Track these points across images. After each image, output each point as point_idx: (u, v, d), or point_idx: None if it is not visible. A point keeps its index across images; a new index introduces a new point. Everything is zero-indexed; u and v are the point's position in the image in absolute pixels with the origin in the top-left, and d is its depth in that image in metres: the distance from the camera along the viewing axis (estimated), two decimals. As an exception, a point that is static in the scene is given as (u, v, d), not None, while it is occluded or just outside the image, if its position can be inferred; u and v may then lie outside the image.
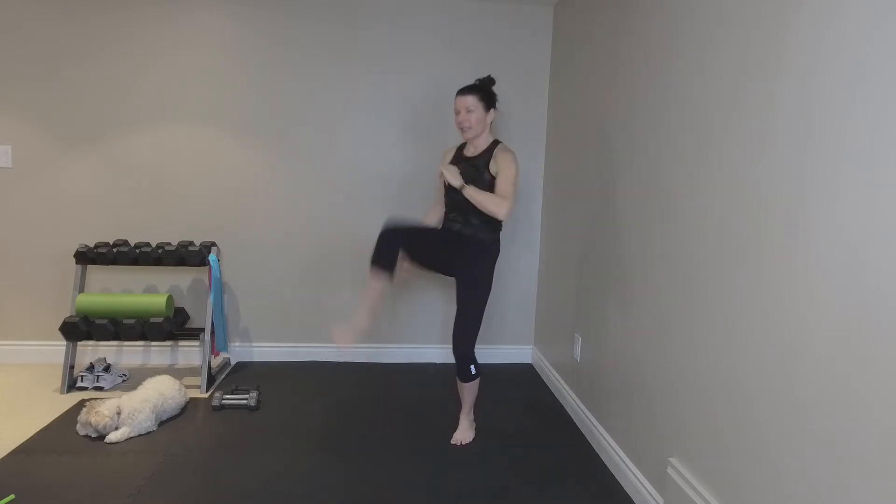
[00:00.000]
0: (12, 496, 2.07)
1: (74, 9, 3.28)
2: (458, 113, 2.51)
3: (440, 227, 2.68)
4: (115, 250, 3.16)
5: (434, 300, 3.69)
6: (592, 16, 2.81)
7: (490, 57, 3.52)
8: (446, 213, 2.63)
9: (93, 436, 2.54)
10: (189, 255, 3.18)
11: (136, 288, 3.52)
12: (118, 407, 2.56)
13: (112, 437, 2.50)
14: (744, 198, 1.59)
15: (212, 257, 3.24)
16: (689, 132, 1.89)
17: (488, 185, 2.45)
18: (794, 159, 1.40)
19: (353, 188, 3.55)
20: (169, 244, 3.27)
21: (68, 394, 3.04)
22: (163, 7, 3.32)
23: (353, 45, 3.45)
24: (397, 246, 2.41)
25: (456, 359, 2.55)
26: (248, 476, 2.28)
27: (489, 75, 2.57)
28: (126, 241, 3.28)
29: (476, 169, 2.49)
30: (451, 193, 2.54)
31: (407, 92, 3.51)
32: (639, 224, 2.24)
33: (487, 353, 3.76)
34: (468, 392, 2.62)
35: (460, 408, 2.68)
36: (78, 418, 2.57)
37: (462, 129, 2.52)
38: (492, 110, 2.54)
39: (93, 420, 2.50)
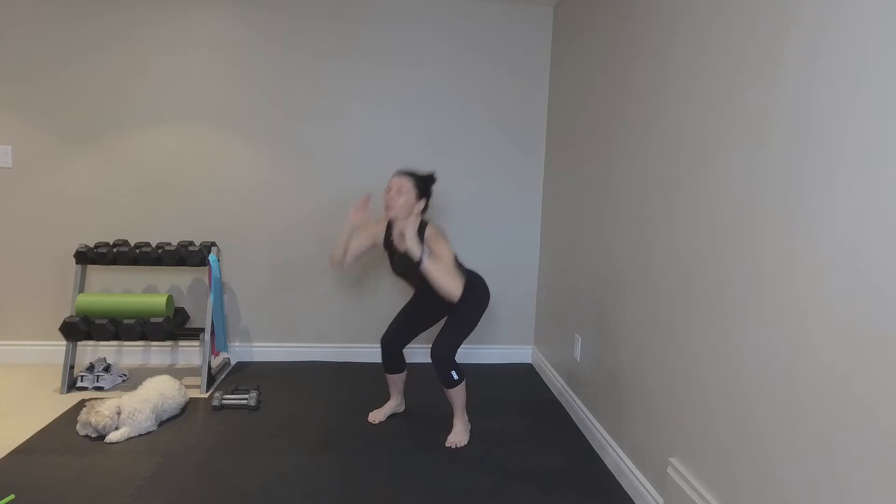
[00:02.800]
0: (12, 496, 2.07)
1: (74, 9, 3.28)
2: (388, 190, 2.51)
3: (418, 297, 2.76)
4: (115, 250, 3.16)
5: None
6: (592, 15, 2.81)
7: (490, 56, 3.52)
8: (415, 293, 2.77)
9: (93, 436, 2.54)
10: (189, 255, 3.18)
11: (136, 288, 3.52)
12: (118, 407, 2.56)
13: (112, 437, 2.50)
14: (743, 197, 1.59)
15: (212, 257, 3.24)
16: (688, 131, 1.89)
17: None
18: (793, 159, 1.40)
19: (353, 188, 3.54)
20: (169, 244, 3.27)
21: (68, 394, 3.04)
22: (163, 7, 3.32)
23: (354, 45, 3.45)
24: (398, 348, 2.74)
25: (435, 364, 2.53)
26: (248, 476, 2.28)
27: (433, 174, 2.59)
28: (126, 241, 3.28)
29: (410, 263, 2.45)
30: (408, 280, 2.61)
31: (407, 92, 3.51)
32: (638, 224, 2.24)
33: (487, 353, 3.76)
34: (456, 396, 2.61)
35: (453, 412, 2.68)
36: (78, 418, 2.57)
37: (387, 207, 2.51)
38: (423, 200, 2.54)
39: (93, 420, 2.50)
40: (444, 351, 2.53)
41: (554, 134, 3.46)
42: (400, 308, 2.94)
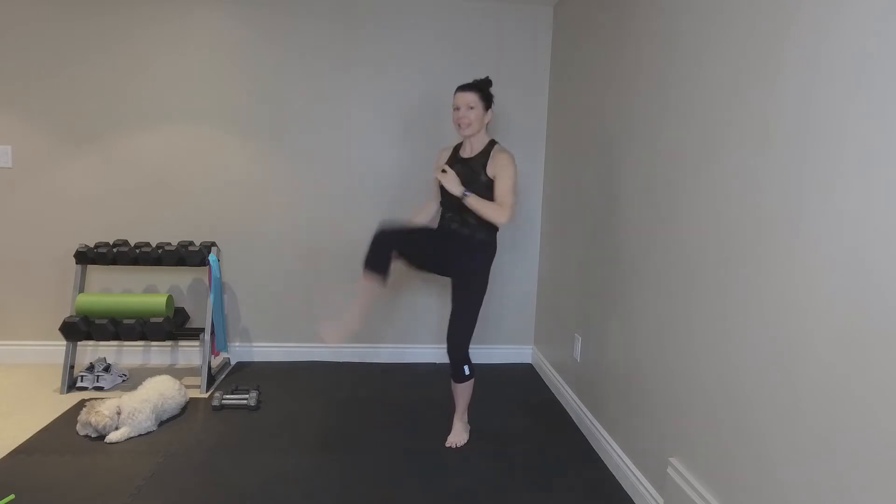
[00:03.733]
0: (12, 496, 2.07)
1: (74, 9, 3.28)
2: (457, 109, 2.47)
3: (436, 226, 2.64)
4: (115, 250, 3.16)
5: (433, 300, 3.69)
6: (592, 15, 2.81)
7: (490, 57, 3.52)
8: (443, 213, 2.60)
9: (93, 436, 2.54)
10: (189, 255, 3.18)
11: (136, 288, 3.52)
12: (118, 407, 2.56)
13: (112, 437, 2.50)
14: (744, 197, 1.59)
15: (212, 257, 3.24)
16: (688, 132, 1.89)
17: (485, 187, 2.42)
18: (794, 159, 1.40)
19: (353, 188, 3.54)
20: (169, 244, 3.27)
21: (68, 394, 3.04)
22: (163, 7, 3.32)
23: (354, 45, 3.45)
24: (391, 249, 2.37)
25: (450, 359, 2.55)
26: (248, 476, 2.28)
27: (487, 77, 2.55)
28: (126, 241, 3.28)
29: (473, 171, 2.46)
30: (448, 194, 2.48)
31: (407, 92, 3.51)
32: (639, 224, 2.24)
33: (487, 353, 3.76)
34: (462, 393, 2.61)
35: (454, 410, 2.68)
36: (78, 418, 2.57)
37: (461, 126, 2.46)
38: (489, 110, 2.52)
39: (93, 420, 2.50)
40: (459, 349, 2.52)
41: (554, 134, 3.46)
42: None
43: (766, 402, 1.48)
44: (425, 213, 2.75)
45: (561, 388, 3.14)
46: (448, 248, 2.52)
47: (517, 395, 3.24)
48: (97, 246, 3.20)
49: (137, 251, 3.17)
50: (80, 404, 2.85)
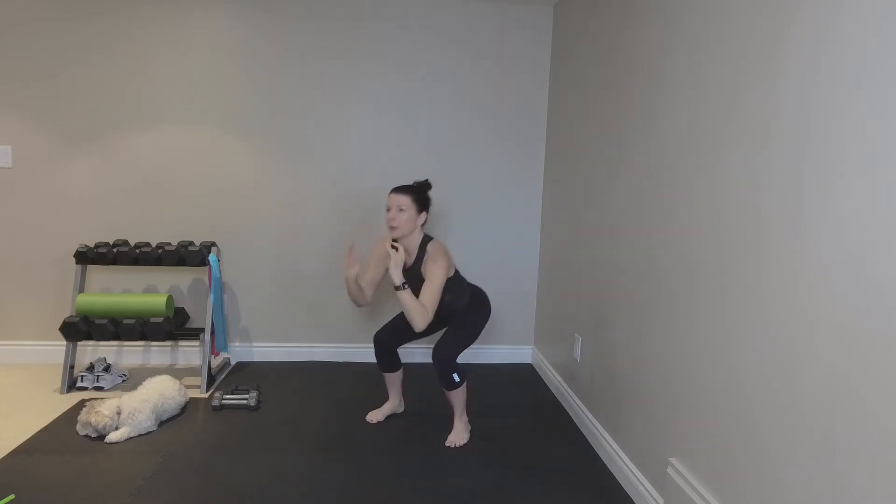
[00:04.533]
0: (12, 496, 2.07)
1: (74, 9, 3.28)
2: (388, 210, 2.53)
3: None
4: (115, 250, 3.16)
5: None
6: (592, 15, 2.81)
7: (490, 56, 3.52)
8: None
9: (93, 436, 2.54)
10: (189, 255, 3.18)
11: (136, 288, 3.52)
12: (118, 407, 2.56)
13: (112, 437, 2.50)
14: (744, 197, 1.59)
15: (212, 257, 3.24)
16: (689, 131, 1.89)
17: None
18: (794, 159, 1.40)
19: (353, 187, 3.55)
20: (169, 244, 3.27)
21: (68, 394, 3.04)
22: (163, 7, 3.32)
23: (354, 45, 3.45)
24: (391, 349, 2.74)
25: (436, 367, 2.53)
26: (248, 476, 2.28)
27: (427, 180, 2.61)
28: (126, 241, 3.28)
29: (414, 278, 2.54)
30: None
31: (407, 92, 3.51)
32: (638, 224, 2.24)
33: (487, 353, 3.76)
34: (456, 398, 2.62)
35: (453, 412, 2.68)
36: (78, 418, 2.57)
37: (390, 228, 2.53)
38: (424, 213, 2.58)
39: (93, 420, 2.50)
40: (445, 355, 2.53)
41: (554, 134, 3.46)
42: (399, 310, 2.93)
43: (766, 402, 1.48)
44: (358, 298, 2.67)
45: (561, 388, 3.14)
46: (437, 319, 2.63)
47: (517, 395, 3.24)
48: (97, 246, 3.20)
49: (137, 251, 3.17)
50: (80, 404, 2.85)
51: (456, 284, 2.62)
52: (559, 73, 3.38)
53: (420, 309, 2.40)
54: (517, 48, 3.54)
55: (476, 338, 2.69)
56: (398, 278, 2.39)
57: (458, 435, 2.62)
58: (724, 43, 1.70)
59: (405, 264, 2.57)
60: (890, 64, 1.14)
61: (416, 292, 2.48)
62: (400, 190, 2.55)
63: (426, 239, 2.59)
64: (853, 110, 1.23)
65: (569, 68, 3.18)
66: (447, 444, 2.59)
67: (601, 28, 2.69)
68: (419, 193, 2.56)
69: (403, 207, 2.50)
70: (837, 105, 1.27)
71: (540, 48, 3.56)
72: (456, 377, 2.55)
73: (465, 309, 2.68)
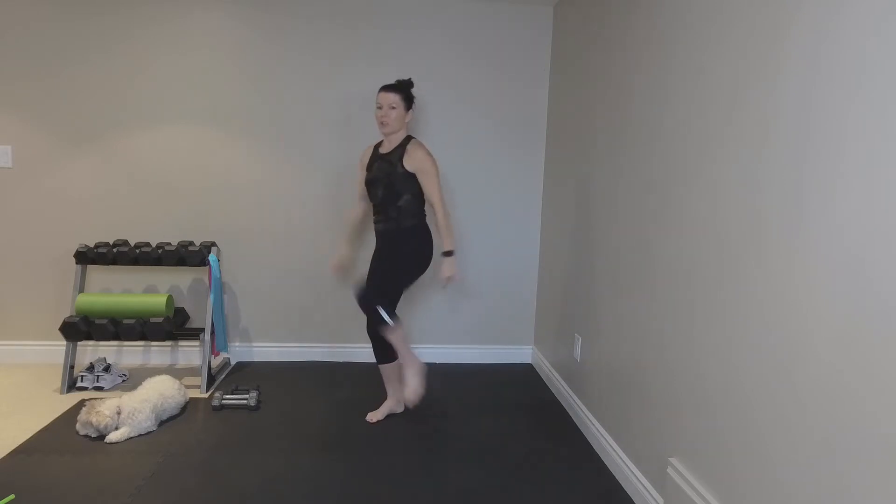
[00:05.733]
0: (12, 496, 2.07)
1: (74, 9, 3.28)
2: (380, 107, 2.65)
3: (376, 246, 2.81)
4: (115, 250, 3.16)
5: (433, 301, 3.69)
6: (592, 15, 2.81)
7: (490, 56, 3.52)
8: (373, 218, 2.78)
9: (93, 436, 2.54)
10: (189, 255, 3.18)
11: (136, 288, 3.52)
12: (118, 407, 2.56)
13: (112, 437, 2.50)
14: (744, 197, 1.59)
15: (212, 257, 3.24)
16: (688, 132, 1.89)
17: (402, 177, 2.63)
18: (794, 159, 1.40)
19: (353, 187, 3.54)
20: (169, 244, 3.27)
21: (68, 394, 3.04)
22: (163, 7, 3.32)
23: (354, 45, 3.45)
24: (383, 327, 2.64)
25: (364, 310, 2.63)
26: (248, 476, 2.28)
27: (410, 79, 2.72)
28: (126, 241, 3.28)
29: (390, 164, 2.66)
30: (372, 189, 2.70)
31: (407, 92, 3.51)
32: (639, 224, 2.24)
33: (487, 353, 3.77)
34: (392, 337, 2.60)
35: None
36: (78, 418, 2.57)
37: (382, 124, 2.66)
38: (410, 111, 2.70)
39: (93, 420, 2.50)
40: (367, 293, 2.62)
41: (554, 134, 3.46)
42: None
43: (766, 402, 1.48)
44: (356, 214, 2.97)
45: (561, 388, 3.14)
46: (389, 246, 2.72)
47: (517, 395, 3.24)
48: (97, 246, 3.20)
49: (137, 251, 3.17)
50: (80, 404, 2.85)
51: (420, 203, 2.70)
52: (559, 73, 3.38)
53: (443, 223, 2.60)
54: (517, 48, 3.54)
55: (401, 281, 2.67)
56: (450, 271, 2.61)
57: (412, 385, 2.61)
58: (724, 43, 1.70)
59: (386, 150, 2.71)
60: (890, 64, 1.14)
61: (388, 177, 2.63)
62: (390, 88, 2.65)
63: (408, 137, 2.70)
64: (853, 110, 1.23)
65: (569, 68, 3.18)
66: (406, 403, 2.64)
67: (601, 28, 2.69)
68: (407, 91, 2.68)
69: (395, 105, 2.62)
70: (837, 105, 1.27)
71: (540, 48, 3.56)
72: (382, 311, 2.57)
73: (408, 231, 2.67)
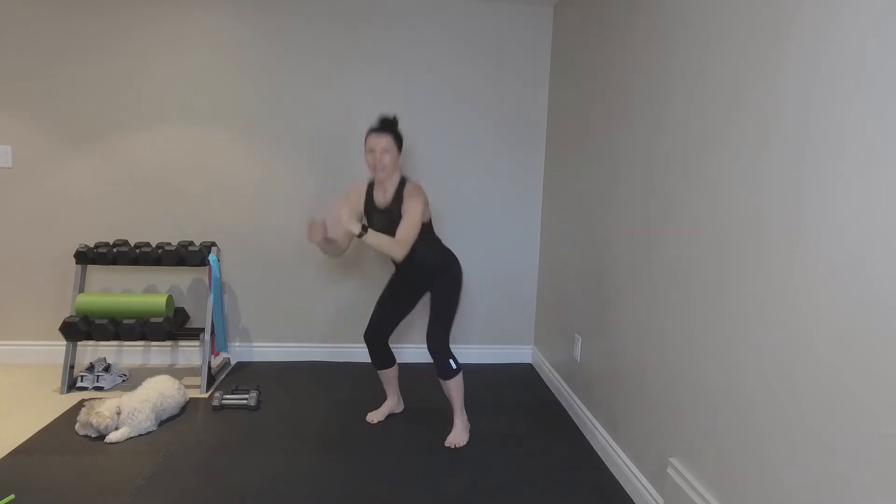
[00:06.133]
0: (12, 496, 2.07)
1: (74, 9, 3.28)
2: (372, 152, 2.45)
3: (393, 280, 2.77)
4: (115, 250, 3.16)
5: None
6: (592, 15, 2.81)
7: (490, 56, 3.52)
8: (391, 278, 2.77)
9: (93, 436, 2.54)
10: (189, 255, 3.18)
11: (136, 288, 3.52)
12: (118, 407, 2.56)
13: (112, 437, 2.50)
14: (744, 197, 1.59)
15: (212, 257, 3.24)
16: (688, 132, 1.89)
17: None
18: (794, 159, 1.40)
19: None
20: (169, 244, 3.27)
21: (68, 394, 3.04)
22: (163, 7, 3.32)
23: (354, 45, 3.45)
24: (383, 341, 2.75)
25: (431, 354, 2.56)
26: (248, 476, 2.28)
27: (395, 116, 2.56)
28: (126, 241, 3.28)
29: (391, 220, 2.49)
30: (382, 230, 2.50)
31: (407, 92, 3.51)
32: (638, 224, 2.24)
33: (487, 353, 3.76)
34: (454, 389, 2.61)
35: (452, 410, 2.67)
36: (78, 418, 2.57)
37: (376, 171, 2.46)
38: (401, 151, 2.54)
39: (93, 420, 2.50)
40: (435, 334, 2.55)
41: (554, 134, 3.46)
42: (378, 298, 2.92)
43: (766, 402, 1.48)
44: (331, 249, 2.62)
45: (561, 388, 3.14)
46: (412, 285, 2.70)
47: (517, 395, 3.24)
48: (97, 246, 3.20)
49: (137, 251, 3.17)
50: (80, 404, 2.85)
51: (431, 235, 2.60)
52: (559, 73, 3.38)
53: (392, 242, 2.36)
54: (517, 48, 3.54)
55: (456, 305, 2.64)
56: (356, 228, 2.32)
57: (458, 435, 2.62)
58: (724, 43, 1.70)
59: (383, 203, 2.55)
60: (890, 64, 1.14)
61: (395, 232, 2.45)
62: (381, 131, 2.46)
63: (403, 178, 2.55)
64: (853, 110, 1.23)
65: (569, 68, 3.18)
66: (447, 444, 2.59)
67: (601, 28, 2.69)
68: (396, 131, 2.51)
69: (388, 149, 2.45)
70: (837, 105, 1.27)
71: (540, 48, 3.56)
72: (452, 363, 2.56)
73: (436, 266, 2.61)
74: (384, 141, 2.45)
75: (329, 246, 2.57)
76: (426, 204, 2.51)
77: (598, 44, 2.73)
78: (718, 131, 1.72)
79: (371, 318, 2.77)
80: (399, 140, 2.52)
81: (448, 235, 3.60)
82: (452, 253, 2.70)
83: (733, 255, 1.63)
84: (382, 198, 2.55)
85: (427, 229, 2.55)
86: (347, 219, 2.32)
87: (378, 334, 2.74)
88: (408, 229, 2.41)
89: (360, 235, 2.33)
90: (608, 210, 2.55)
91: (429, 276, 2.63)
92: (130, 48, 3.33)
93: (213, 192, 3.47)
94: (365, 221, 2.53)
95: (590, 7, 2.85)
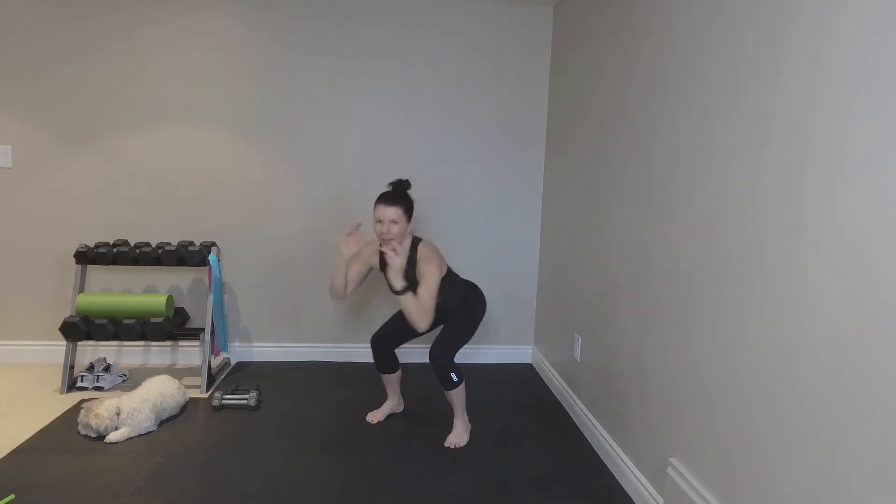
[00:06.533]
0: (12, 496, 2.07)
1: (74, 9, 3.28)
2: (380, 222, 2.42)
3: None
4: (115, 250, 3.16)
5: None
6: (592, 15, 2.81)
7: (490, 56, 3.52)
8: None
9: (93, 436, 2.54)
10: (189, 255, 3.18)
11: (136, 288, 3.52)
12: (118, 407, 2.56)
13: (112, 437, 2.50)
14: (744, 197, 1.59)
15: (212, 257, 3.24)
16: (688, 132, 1.89)
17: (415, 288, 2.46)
18: (793, 159, 1.40)
19: (353, 187, 3.54)
20: (169, 244, 3.27)
21: (68, 394, 3.04)
22: (163, 7, 3.32)
23: (354, 45, 3.45)
24: (389, 350, 2.76)
25: (434, 367, 2.53)
26: (248, 476, 2.28)
27: (407, 179, 2.53)
28: (126, 241, 3.28)
29: (407, 281, 2.44)
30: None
31: (407, 92, 3.51)
32: (639, 224, 2.24)
33: (487, 353, 3.77)
34: (456, 397, 2.61)
35: (453, 412, 2.67)
36: (78, 419, 2.57)
37: (383, 241, 2.42)
38: (412, 219, 2.51)
39: (93, 423, 2.50)
40: (441, 353, 2.53)
41: (554, 134, 3.46)
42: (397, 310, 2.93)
43: (766, 402, 1.48)
44: (340, 280, 2.59)
45: (561, 388, 3.14)
46: (436, 321, 2.64)
47: (517, 395, 3.24)
48: (97, 246, 3.20)
49: (137, 251, 3.17)
50: (80, 404, 2.85)
51: (448, 283, 2.61)
52: (559, 73, 3.38)
53: (422, 312, 2.39)
54: (517, 48, 3.54)
55: (472, 334, 2.68)
56: (399, 284, 2.35)
57: (459, 436, 2.62)
58: (724, 43, 1.70)
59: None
60: (890, 64, 1.14)
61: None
62: (390, 201, 2.43)
63: (415, 241, 2.56)
64: (853, 110, 1.23)
65: (569, 68, 3.18)
66: (447, 444, 2.59)
67: (601, 28, 2.69)
68: (406, 200, 2.48)
69: (396, 220, 2.42)
70: (837, 105, 1.27)
71: (540, 48, 3.56)
72: (454, 376, 2.55)
73: (459, 305, 2.67)
74: (391, 212, 2.41)
75: (343, 269, 2.53)
76: (442, 264, 2.52)
77: (597, 44, 2.73)
78: (718, 131, 1.72)
79: (384, 325, 2.78)
80: (410, 208, 2.48)
81: (448, 236, 3.60)
82: (472, 284, 2.74)
83: (733, 255, 1.63)
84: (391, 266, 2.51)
85: (444, 281, 2.55)
86: (399, 268, 2.34)
87: (387, 344, 2.76)
88: (429, 297, 2.40)
89: (399, 292, 2.35)
90: (608, 210, 2.55)
91: (452, 313, 2.67)
92: (130, 48, 3.33)
93: (213, 192, 3.47)
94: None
95: (590, 7, 2.85)
